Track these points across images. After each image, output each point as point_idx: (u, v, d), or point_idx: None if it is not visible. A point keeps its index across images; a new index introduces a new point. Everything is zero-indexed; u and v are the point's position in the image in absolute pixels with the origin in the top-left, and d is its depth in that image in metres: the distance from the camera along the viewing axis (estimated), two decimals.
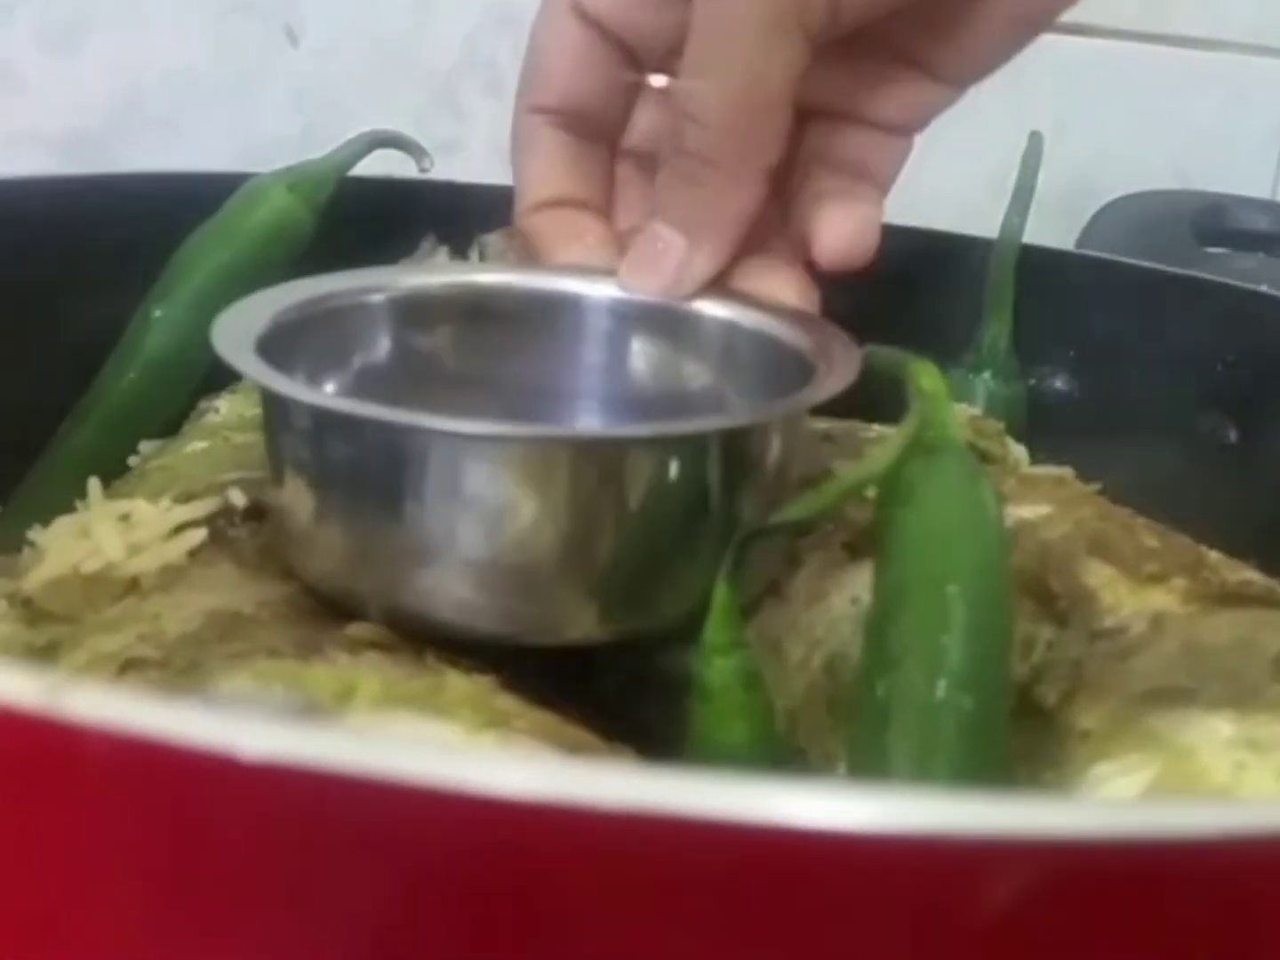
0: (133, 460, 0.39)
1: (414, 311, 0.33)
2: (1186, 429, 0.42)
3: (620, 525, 0.26)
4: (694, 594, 0.27)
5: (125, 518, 0.29)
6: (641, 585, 0.27)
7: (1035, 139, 0.42)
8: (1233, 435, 0.40)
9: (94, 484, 0.33)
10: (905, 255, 0.47)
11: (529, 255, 0.48)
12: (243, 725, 0.13)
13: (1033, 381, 0.45)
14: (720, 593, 0.26)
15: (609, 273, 0.34)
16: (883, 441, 0.27)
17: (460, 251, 0.48)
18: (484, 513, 0.25)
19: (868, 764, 0.23)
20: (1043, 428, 0.44)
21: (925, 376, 0.28)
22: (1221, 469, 0.40)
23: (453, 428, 0.25)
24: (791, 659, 0.29)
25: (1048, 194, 0.64)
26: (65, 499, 0.39)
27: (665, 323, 0.33)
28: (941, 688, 0.23)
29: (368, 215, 0.46)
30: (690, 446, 0.26)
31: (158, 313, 0.40)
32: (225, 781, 0.13)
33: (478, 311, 0.33)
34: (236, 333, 0.28)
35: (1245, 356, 0.40)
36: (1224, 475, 0.40)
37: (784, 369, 0.31)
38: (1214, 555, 0.29)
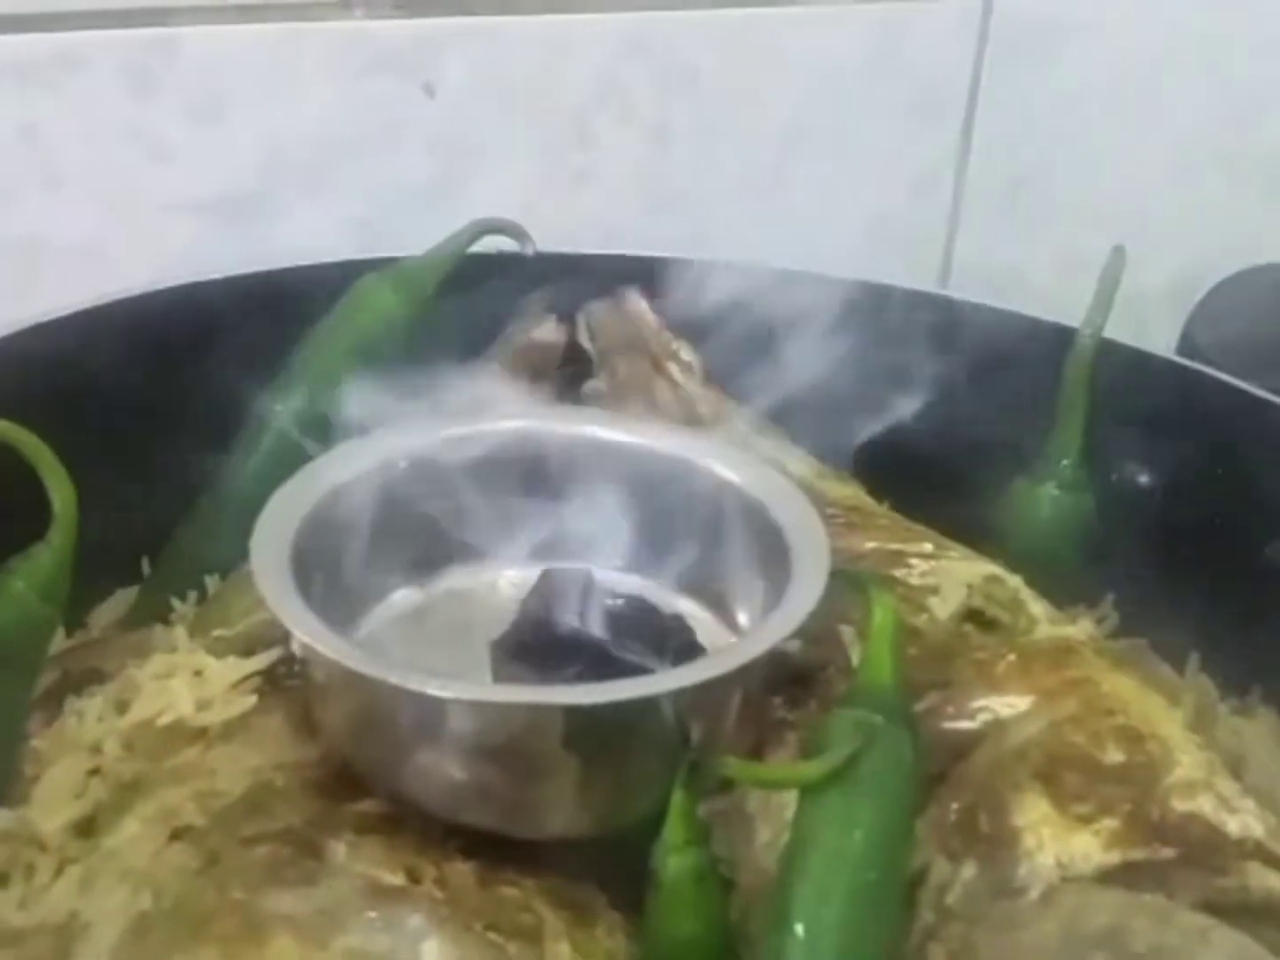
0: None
1: (438, 471, 0.37)
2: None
3: (592, 753, 0.30)
4: (660, 796, 0.30)
5: (199, 673, 0.34)
6: (613, 790, 0.31)
7: (1118, 253, 0.41)
8: None
9: (180, 632, 0.38)
10: (995, 338, 0.48)
11: (631, 324, 0.51)
12: None
13: (1114, 477, 0.45)
14: (675, 797, 0.30)
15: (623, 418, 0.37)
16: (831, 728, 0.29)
17: (568, 318, 0.51)
18: (465, 745, 0.30)
19: None
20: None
21: (880, 610, 0.30)
22: None
23: (435, 691, 0.29)
24: (760, 837, 0.32)
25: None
26: (197, 575, 0.45)
27: (673, 473, 0.36)
28: (818, 954, 0.26)
29: (482, 287, 0.49)
30: (650, 702, 0.29)
31: (278, 408, 0.45)
32: None
33: (507, 459, 0.37)
34: (275, 527, 0.33)
35: None
36: None
37: (769, 544, 0.34)
38: (1179, 773, 0.30)
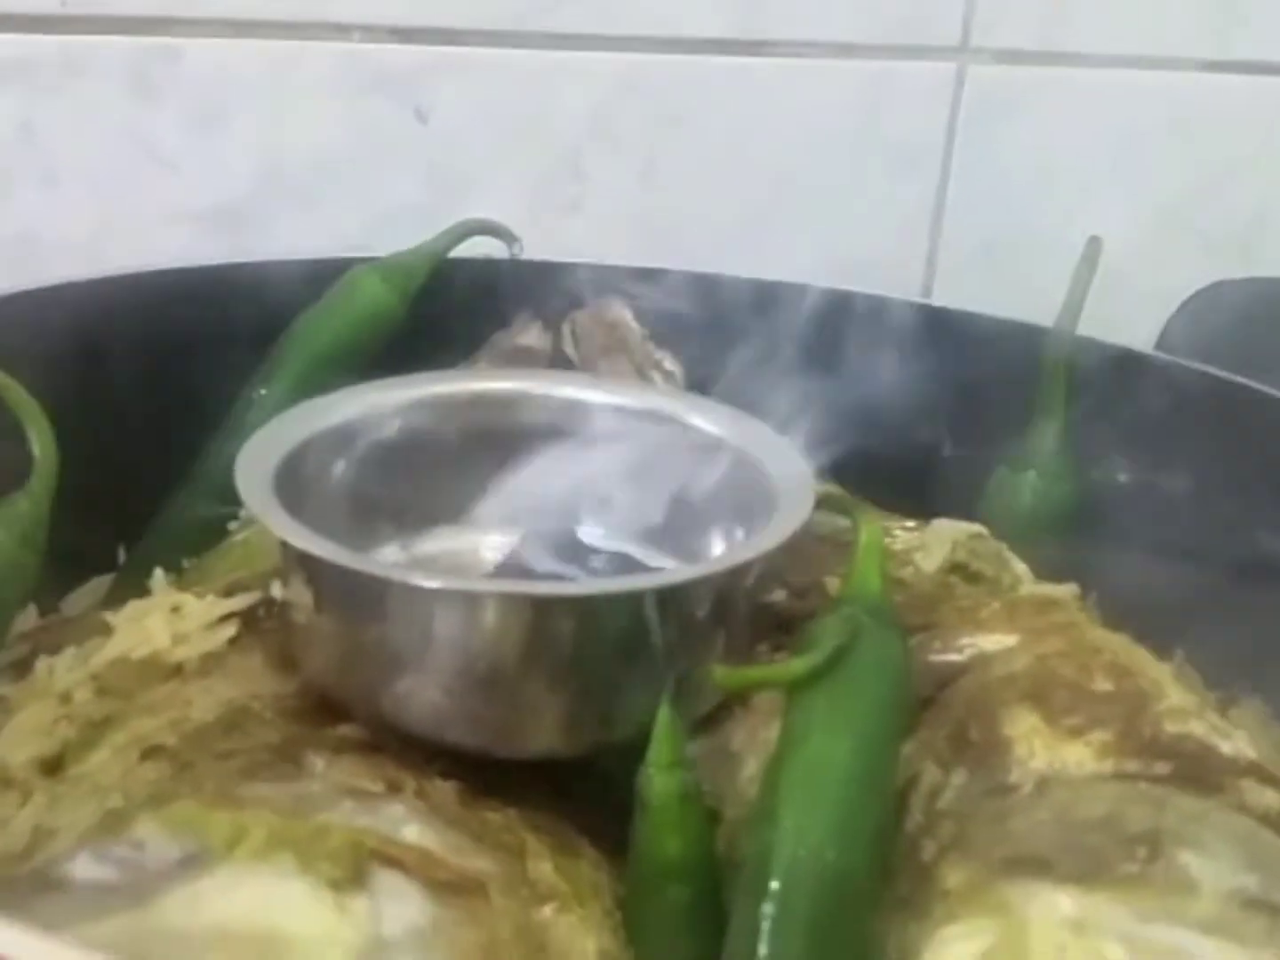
0: (234, 525, 0.44)
1: (428, 425, 0.37)
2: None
3: (577, 657, 0.29)
4: (645, 720, 0.29)
5: (176, 609, 0.34)
6: (599, 707, 0.30)
7: (1094, 243, 0.43)
8: None
9: (158, 575, 0.37)
10: (976, 342, 0.49)
11: (614, 332, 0.51)
12: None
13: (1096, 474, 0.45)
14: (662, 716, 0.29)
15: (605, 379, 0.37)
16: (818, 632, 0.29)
17: (554, 326, 0.51)
18: (453, 648, 0.29)
19: (741, 916, 0.25)
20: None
21: (866, 529, 0.30)
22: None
23: (425, 583, 0.29)
24: (746, 771, 0.31)
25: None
26: (175, 559, 0.44)
27: (660, 431, 0.36)
28: (807, 841, 0.25)
29: (468, 293, 0.50)
30: (634, 599, 0.29)
31: (262, 391, 0.45)
32: None
33: (489, 419, 0.37)
34: (259, 459, 0.32)
35: None
36: None
37: (754, 494, 0.33)
38: (1169, 702, 0.30)
